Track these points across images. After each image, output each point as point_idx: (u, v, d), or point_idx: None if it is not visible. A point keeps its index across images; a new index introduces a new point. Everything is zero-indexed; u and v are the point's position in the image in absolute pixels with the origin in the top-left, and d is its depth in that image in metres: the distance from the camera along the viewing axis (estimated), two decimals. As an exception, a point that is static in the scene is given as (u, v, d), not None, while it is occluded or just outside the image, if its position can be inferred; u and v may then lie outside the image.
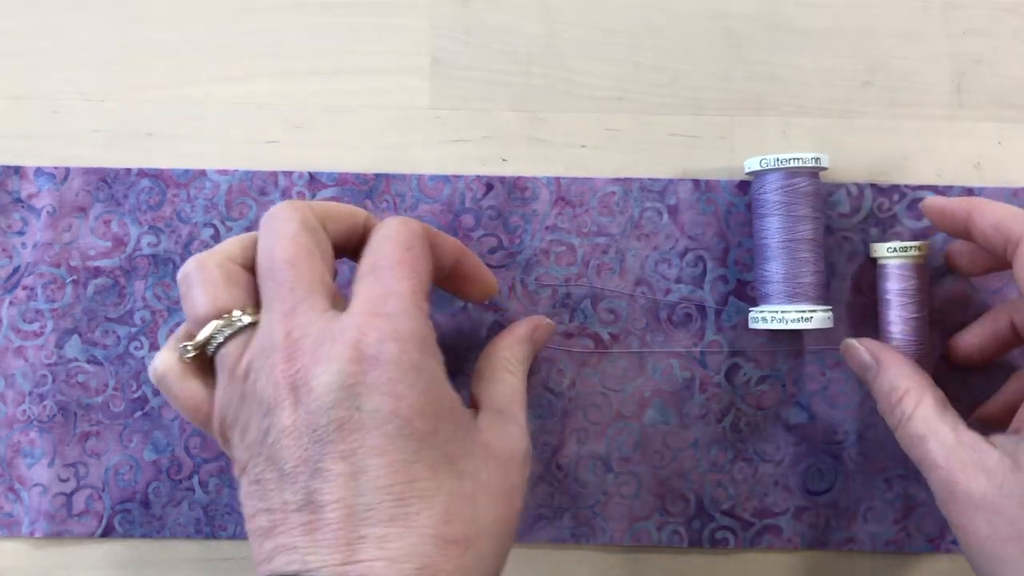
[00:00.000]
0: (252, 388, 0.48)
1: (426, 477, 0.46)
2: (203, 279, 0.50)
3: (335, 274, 0.52)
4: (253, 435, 0.47)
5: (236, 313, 0.49)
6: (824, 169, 0.60)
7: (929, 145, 0.65)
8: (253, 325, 0.49)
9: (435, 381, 0.48)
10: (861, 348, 0.58)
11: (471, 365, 0.63)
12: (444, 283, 0.58)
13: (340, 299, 0.50)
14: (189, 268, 0.50)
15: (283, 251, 0.49)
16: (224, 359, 0.49)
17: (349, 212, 0.54)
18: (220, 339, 0.49)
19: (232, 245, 0.52)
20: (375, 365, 0.46)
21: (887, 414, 0.56)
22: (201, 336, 0.49)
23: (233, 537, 0.63)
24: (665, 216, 0.63)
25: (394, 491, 0.45)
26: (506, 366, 0.57)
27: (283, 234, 0.50)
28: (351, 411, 0.45)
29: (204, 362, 0.51)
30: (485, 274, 0.59)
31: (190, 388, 0.51)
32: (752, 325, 0.61)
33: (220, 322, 0.49)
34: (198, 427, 0.51)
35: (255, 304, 0.50)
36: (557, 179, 0.64)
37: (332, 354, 0.46)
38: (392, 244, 0.50)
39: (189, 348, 0.50)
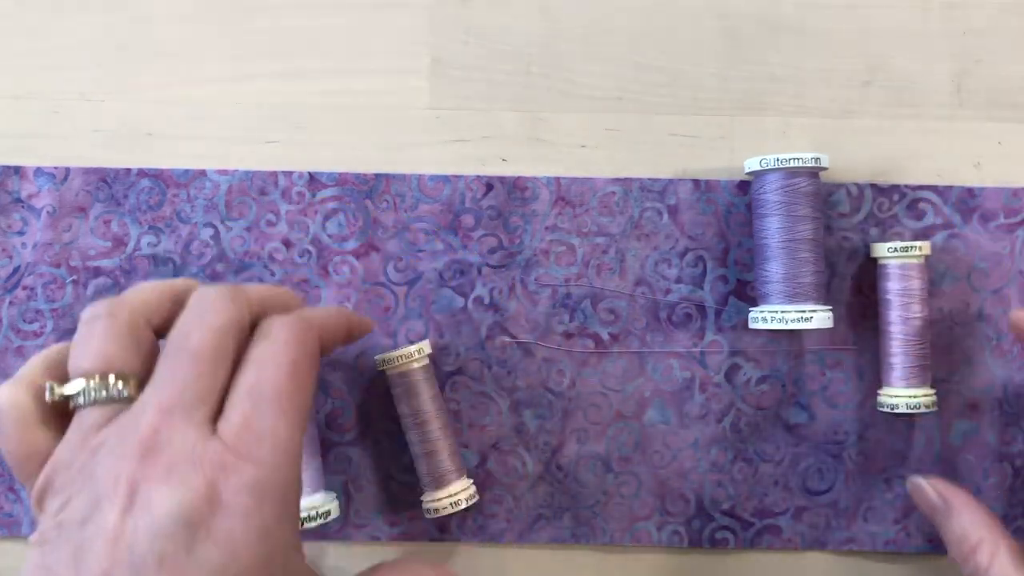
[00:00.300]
0: (93, 467, 0.43)
1: None
2: (107, 329, 0.46)
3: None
4: (71, 516, 0.42)
5: (118, 383, 0.45)
6: (824, 169, 0.60)
7: (929, 145, 0.65)
8: (129, 400, 0.45)
9: (277, 548, 0.43)
10: (930, 489, 0.58)
11: (471, 365, 0.63)
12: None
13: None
14: (100, 310, 0.46)
15: (199, 342, 0.45)
16: (83, 420, 0.45)
17: (284, 303, 0.51)
18: (89, 399, 0.45)
19: (158, 297, 0.48)
20: (224, 513, 0.42)
21: (960, 562, 0.55)
22: (72, 389, 0.45)
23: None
24: (665, 216, 0.63)
25: None
26: None
27: (207, 324, 0.46)
28: (179, 550, 0.41)
29: (57, 409, 0.46)
30: (366, 328, 0.57)
31: (32, 437, 0.46)
32: (752, 325, 0.61)
33: (97, 383, 0.45)
34: (13, 473, 0.46)
35: (144, 376, 0.46)
36: (557, 179, 0.64)
37: (186, 480, 0.42)
38: (277, 368, 0.46)
39: (55, 392, 0.46)
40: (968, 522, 0.55)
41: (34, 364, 0.47)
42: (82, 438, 0.44)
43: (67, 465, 0.44)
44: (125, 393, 0.45)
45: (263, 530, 0.42)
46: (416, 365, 0.61)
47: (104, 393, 0.44)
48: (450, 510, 0.60)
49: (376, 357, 0.61)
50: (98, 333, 0.46)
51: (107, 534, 0.41)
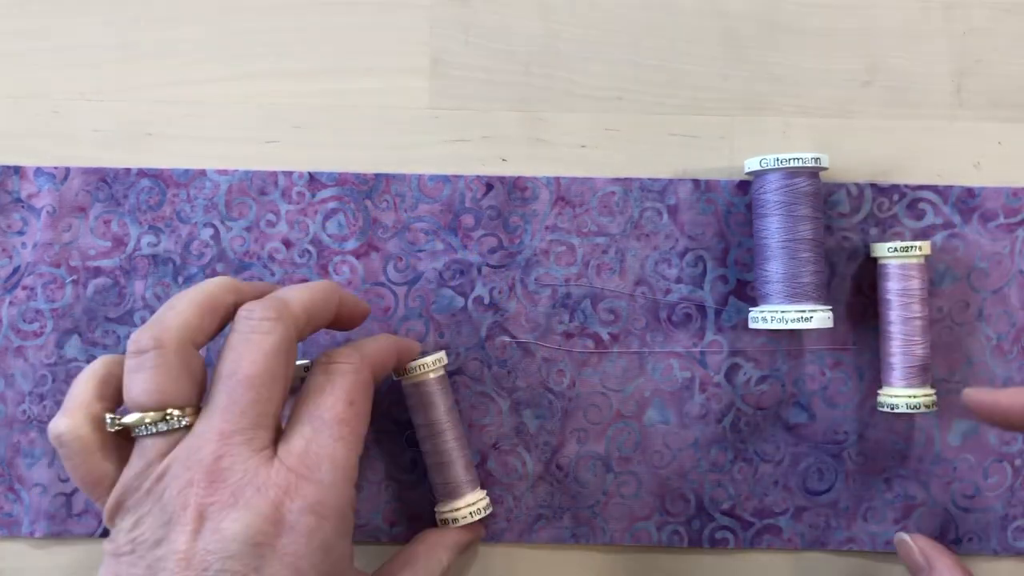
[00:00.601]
0: (161, 491, 0.46)
1: None
2: (158, 364, 0.48)
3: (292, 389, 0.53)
4: (144, 535, 0.46)
5: (175, 413, 0.48)
6: (824, 169, 0.60)
7: (929, 145, 0.65)
8: (187, 428, 0.48)
9: (337, 562, 0.47)
10: (914, 547, 0.58)
11: (471, 365, 0.63)
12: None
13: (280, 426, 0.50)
14: (146, 343, 0.48)
15: (251, 367, 0.48)
16: (146, 449, 0.48)
17: (325, 302, 0.54)
18: (150, 431, 0.47)
19: (198, 313, 0.50)
20: (288, 533, 0.45)
21: None
22: (131, 420, 0.48)
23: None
24: (665, 216, 0.63)
25: None
26: (437, 567, 0.57)
27: (258, 348, 0.48)
28: (248, 570, 0.44)
29: (118, 436, 0.49)
30: (414, 351, 0.60)
31: (97, 465, 0.49)
32: (752, 325, 0.61)
33: (155, 416, 0.47)
34: (85, 493, 0.50)
35: (197, 401, 0.49)
36: (557, 179, 0.63)
37: (251, 504, 0.45)
38: (336, 397, 0.50)
39: (116, 424, 0.49)
40: None
41: (86, 390, 0.50)
42: (146, 464, 0.47)
43: (135, 489, 0.47)
44: (184, 422, 0.48)
45: (325, 546, 0.46)
46: (432, 376, 0.60)
47: (164, 425, 0.47)
48: (469, 519, 0.60)
49: None
50: (148, 367, 0.47)
51: (179, 555, 0.44)
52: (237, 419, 0.47)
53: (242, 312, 0.50)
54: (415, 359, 0.59)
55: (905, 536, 0.60)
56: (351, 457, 0.49)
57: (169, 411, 0.47)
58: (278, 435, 0.49)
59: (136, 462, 0.48)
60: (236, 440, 0.46)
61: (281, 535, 0.45)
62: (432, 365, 0.60)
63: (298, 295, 0.52)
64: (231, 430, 0.47)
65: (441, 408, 0.60)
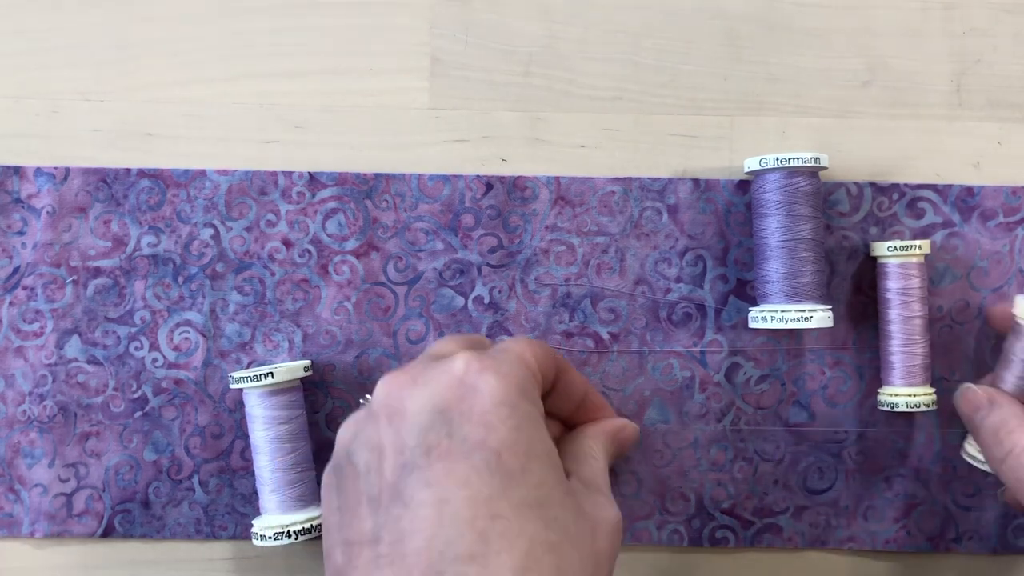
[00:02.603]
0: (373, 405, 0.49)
1: (509, 516, 0.44)
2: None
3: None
4: (360, 459, 0.48)
5: None
6: (824, 169, 0.60)
7: (929, 145, 0.65)
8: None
9: (530, 422, 0.47)
10: (978, 390, 0.58)
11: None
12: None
13: None
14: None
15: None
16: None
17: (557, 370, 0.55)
18: None
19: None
20: (472, 394, 0.46)
21: (992, 446, 0.55)
22: None
23: (233, 537, 0.63)
24: (665, 215, 0.63)
25: (476, 526, 0.43)
26: (590, 451, 0.55)
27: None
28: (441, 437, 0.45)
29: None
30: (609, 413, 0.60)
31: None
32: (752, 324, 0.61)
33: None
34: None
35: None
36: (557, 178, 0.64)
37: (432, 379, 0.47)
38: (523, 342, 0.52)
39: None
40: (1008, 413, 0.55)
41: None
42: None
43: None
44: None
45: (509, 403, 0.47)
46: (281, 387, 0.60)
47: None
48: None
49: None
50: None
51: (376, 449, 0.47)
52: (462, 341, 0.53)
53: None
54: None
55: (970, 384, 0.58)
56: (529, 367, 0.50)
57: None
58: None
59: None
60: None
61: (465, 397, 0.46)
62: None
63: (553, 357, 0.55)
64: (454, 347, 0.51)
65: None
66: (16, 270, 0.63)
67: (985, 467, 0.58)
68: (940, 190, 0.63)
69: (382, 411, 0.47)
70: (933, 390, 0.61)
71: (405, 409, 0.46)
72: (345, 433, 0.49)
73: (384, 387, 0.48)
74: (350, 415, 0.50)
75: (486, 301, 0.63)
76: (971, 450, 0.59)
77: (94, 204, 0.63)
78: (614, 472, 0.63)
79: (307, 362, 0.62)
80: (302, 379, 0.61)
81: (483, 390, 0.46)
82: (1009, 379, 0.58)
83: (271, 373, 0.58)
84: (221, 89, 0.65)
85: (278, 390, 0.59)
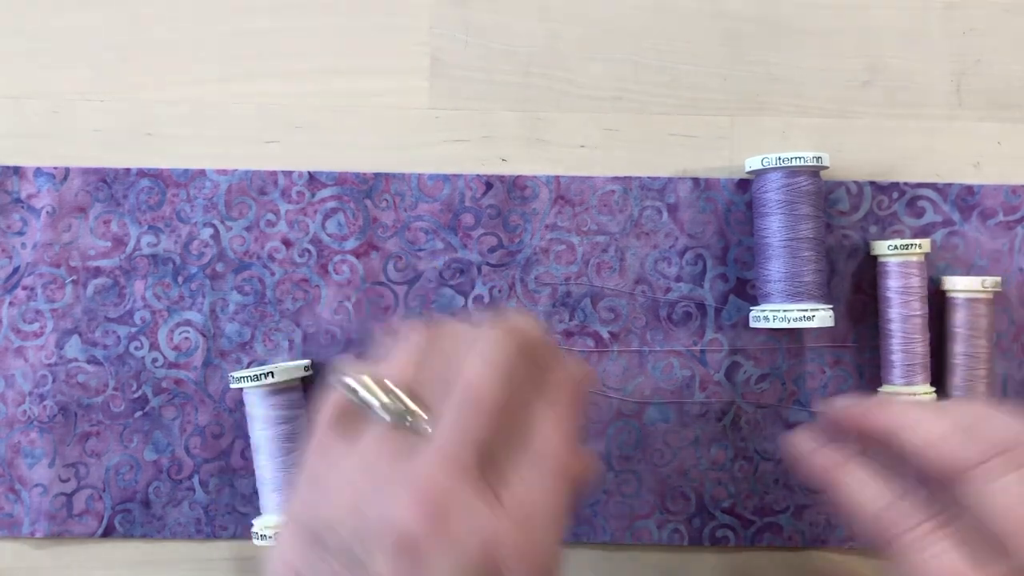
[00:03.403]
0: (379, 493, 0.42)
1: None
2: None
3: None
4: (342, 547, 0.41)
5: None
6: (825, 168, 0.60)
7: (929, 145, 0.65)
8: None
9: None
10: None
11: (471, 364, 0.63)
12: None
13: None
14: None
15: (486, 389, 0.43)
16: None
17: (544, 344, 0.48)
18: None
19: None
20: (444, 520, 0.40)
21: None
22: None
23: (233, 537, 0.63)
24: (665, 214, 0.63)
25: None
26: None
27: (492, 369, 0.44)
28: None
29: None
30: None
31: None
32: (754, 324, 0.61)
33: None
34: None
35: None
36: (557, 178, 0.64)
37: (463, 545, 0.41)
38: (561, 435, 0.45)
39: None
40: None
41: None
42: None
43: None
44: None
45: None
46: (281, 387, 0.61)
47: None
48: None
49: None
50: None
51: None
52: (463, 444, 0.43)
53: (480, 336, 0.46)
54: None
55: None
56: (565, 504, 0.44)
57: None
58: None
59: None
60: (457, 463, 0.42)
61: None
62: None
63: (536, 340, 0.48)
64: (454, 452, 0.42)
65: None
66: (16, 270, 0.63)
67: None
68: (940, 189, 0.63)
69: (401, 547, 0.40)
70: (933, 388, 0.61)
71: (428, 565, 0.40)
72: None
73: (414, 510, 0.40)
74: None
75: (486, 300, 0.63)
76: None
77: (94, 204, 0.63)
78: (608, 466, 0.63)
79: (307, 362, 0.62)
80: (302, 379, 0.61)
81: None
82: (958, 351, 0.60)
83: (271, 373, 0.58)
84: (221, 89, 0.65)
85: (278, 390, 0.59)
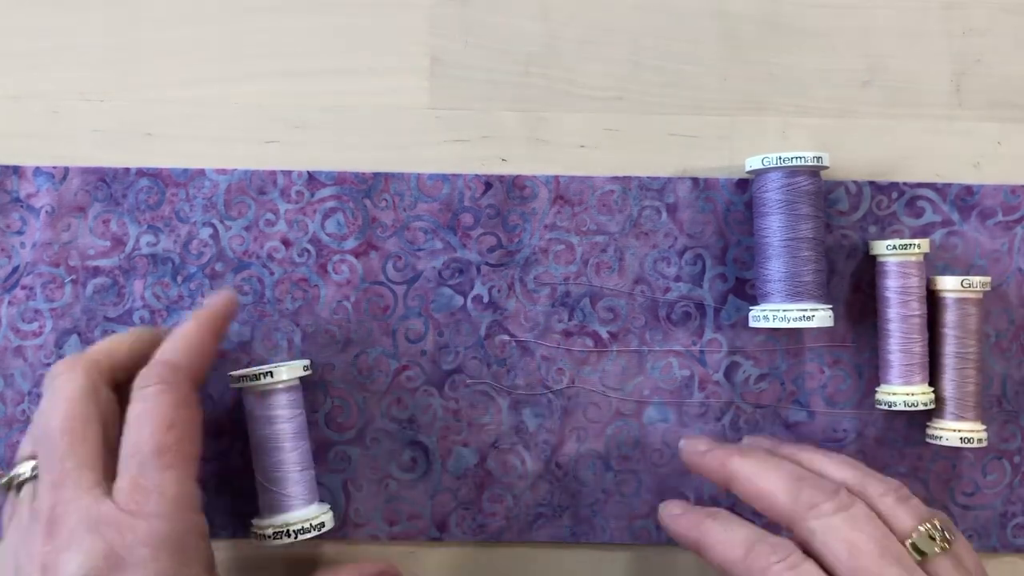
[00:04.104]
0: (15, 548, 0.49)
1: None
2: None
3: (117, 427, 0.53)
4: None
5: (26, 467, 0.52)
6: (825, 168, 0.60)
7: (928, 145, 0.65)
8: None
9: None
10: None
11: (470, 364, 0.63)
12: None
13: (112, 459, 0.51)
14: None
15: (58, 419, 0.50)
16: (19, 502, 0.52)
17: (131, 346, 0.57)
18: (16, 482, 0.52)
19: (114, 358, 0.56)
20: (123, 568, 0.46)
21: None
22: (10, 473, 0.53)
23: (232, 537, 0.63)
24: (664, 214, 0.63)
25: None
26: None
27: (61, 399, 0.51)
28: None
29: None
30: (231, 309, 0.60)
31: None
32: (753, 323, 0.61)
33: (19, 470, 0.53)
34: None
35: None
36: (556, 178, 0.63)
37: (85, 545, 0.47)
38: (153, 425, 0.50)
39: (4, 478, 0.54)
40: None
41: None
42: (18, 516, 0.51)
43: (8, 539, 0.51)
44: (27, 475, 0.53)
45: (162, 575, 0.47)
46: (280, 387, 0.60)
47: (16, 479, 0.53)
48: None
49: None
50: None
51: None
52: (60, 466, 0.49)
53: (46, 378, 0.53)
54: (233, 315, 0.60)
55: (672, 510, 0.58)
56: (184, 484, 0.50)
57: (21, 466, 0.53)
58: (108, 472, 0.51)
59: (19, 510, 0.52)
60: (67, 485, 0.48)
61: (116, 571, 0.46)
62: (276, 376, 0.60)
63: (105, 345, 0.56)
64: (59, 479, 0.49)
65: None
66: (15, 270, 0.63)
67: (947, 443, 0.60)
68: (939, 189, 0.63)
69: (37, 569, 0.47)
70: (931, 389, 0.61)
71: (60, 574, 0.47)
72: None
73: (40, 539, 0.48)
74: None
75: (485, 300, 0.63)
76: (935, 431, 0.61)
77: (93, 203, 0.63)
78: (607, 466, 0.63)
79: (306, 361, 0.62)
80: (301, 378, 0.61)
81: (135, 563, 0.47)
82: (948, 351, 0.61)
83: (270, 373, 0.58)
84: (221, 89, 0.65)
85: (277, 389, 0.59)
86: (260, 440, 0.59)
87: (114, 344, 0.56)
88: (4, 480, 0.53)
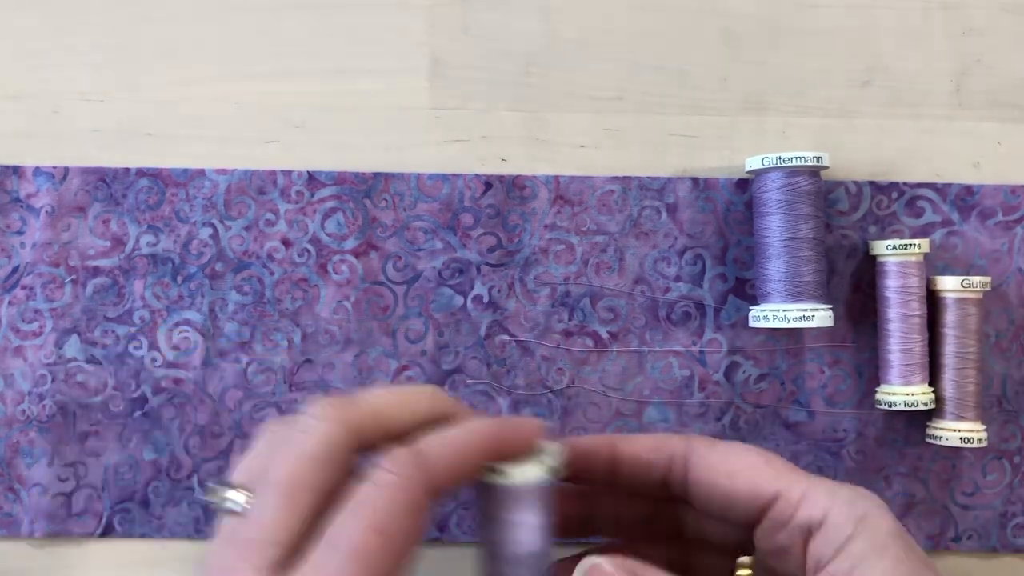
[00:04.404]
0: None
1: None
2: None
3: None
4: None
5: (239, 498, 0.44)
6: (825, 168, 0.60)
7: (928, 145, 0.65)
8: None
9: None
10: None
11: (470, 364, 0.63)
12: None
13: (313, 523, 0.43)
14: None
15: (283, 475, 0.43)
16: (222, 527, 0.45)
17: (406, 410, 0.47)
18: (223, 507, 0.44)
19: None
20: None
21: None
22: (225, 495, 0.45)
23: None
24: (664, 214, 0.63)
25: None
26: None
27: (300, 453, 0.43)
28: None
29: None
30: (531, 431, 0.49)
31: None
32: (753, 323, 0.61)
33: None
34: None
35: None
36: (556, 177, 0.63)
37: None
38: (366, 521, 0.42)
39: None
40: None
41: None
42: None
43: None
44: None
45: None
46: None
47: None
48: None
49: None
50: None
51: None
52: (254, 529, 0.42)
53: (300, 415, 0.46)
54: (527, 449, 0.48)
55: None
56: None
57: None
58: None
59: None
60: (244, 555, 0.42)
61: None
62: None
63: (371, 398, 0.47)
64: (246, 539, 0.42)
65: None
66: (15, 270, 0.63)
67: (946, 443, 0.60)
68: (939, 189, 0.63)
69: None
70: (931, 389, 0.61)
71: None
72: None
73: None
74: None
75: (485, 300, 0.63)
76: (934, 431, 0.61)
77: (93, 203, 0.63)
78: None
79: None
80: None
81: None
82: (947, 351, 0.61)
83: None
84: (221, 89, 0.65)
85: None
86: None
87: (390, 405, 0.47)
88: (216, 497, 0.44)
